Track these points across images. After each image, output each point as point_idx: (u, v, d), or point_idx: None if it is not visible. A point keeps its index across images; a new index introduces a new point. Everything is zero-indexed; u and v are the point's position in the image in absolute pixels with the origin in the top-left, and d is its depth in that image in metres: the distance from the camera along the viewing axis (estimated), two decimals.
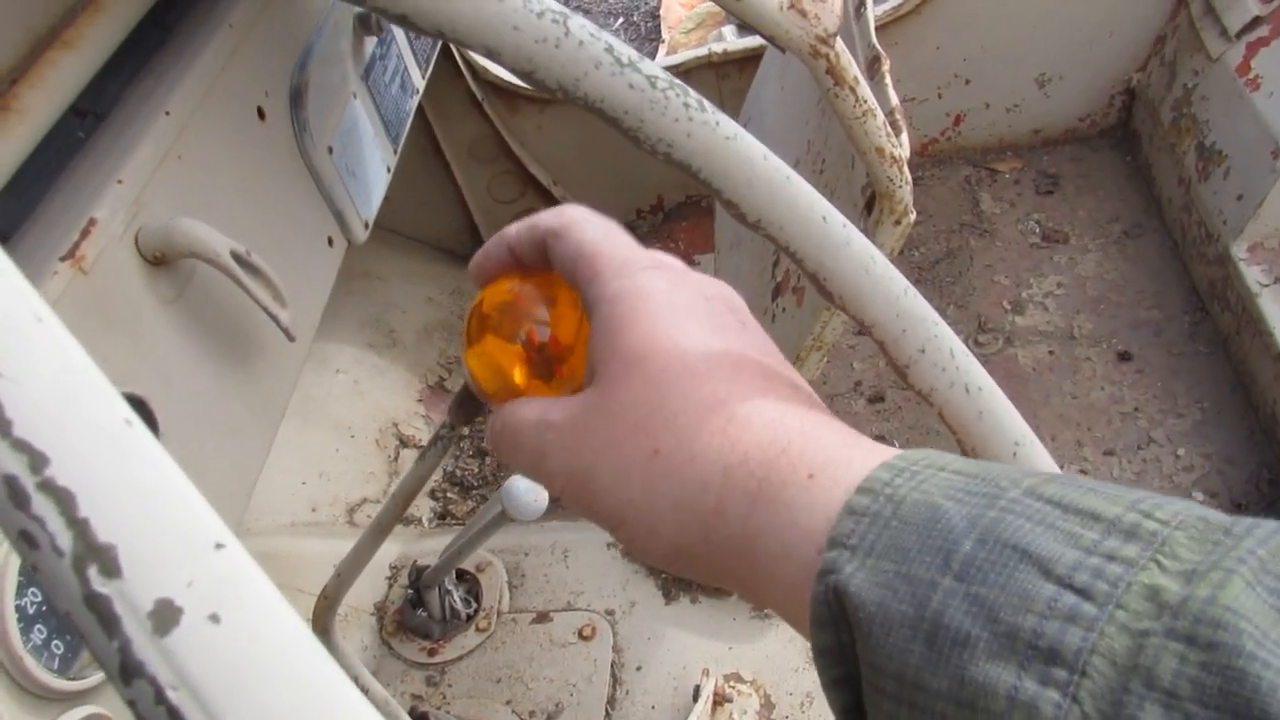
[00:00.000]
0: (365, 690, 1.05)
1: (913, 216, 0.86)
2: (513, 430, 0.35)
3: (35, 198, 0.69)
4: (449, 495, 1.63)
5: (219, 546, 0.21)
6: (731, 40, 2.11)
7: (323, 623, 0.90)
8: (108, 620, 0.20)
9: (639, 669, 1.22)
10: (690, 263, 1.90)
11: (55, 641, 0.59)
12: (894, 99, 0.88)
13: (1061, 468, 0.45)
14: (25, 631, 0.57)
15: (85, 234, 0.65)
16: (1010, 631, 0.23)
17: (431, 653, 1.28)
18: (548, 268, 0.38)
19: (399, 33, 1.17)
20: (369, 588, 1.36)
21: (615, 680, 1.21)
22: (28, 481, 0.20)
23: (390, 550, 1.41)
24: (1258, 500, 1.47)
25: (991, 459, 0.41)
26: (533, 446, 0.34)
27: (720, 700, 1.15)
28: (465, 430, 0.48)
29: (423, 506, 1.61)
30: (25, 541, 0.20)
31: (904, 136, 0.83)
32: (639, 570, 1.31)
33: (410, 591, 1.31)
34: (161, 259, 0.71)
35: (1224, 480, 1.50)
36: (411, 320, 1.86)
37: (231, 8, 0.86)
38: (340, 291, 1.33)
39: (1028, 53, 1.90)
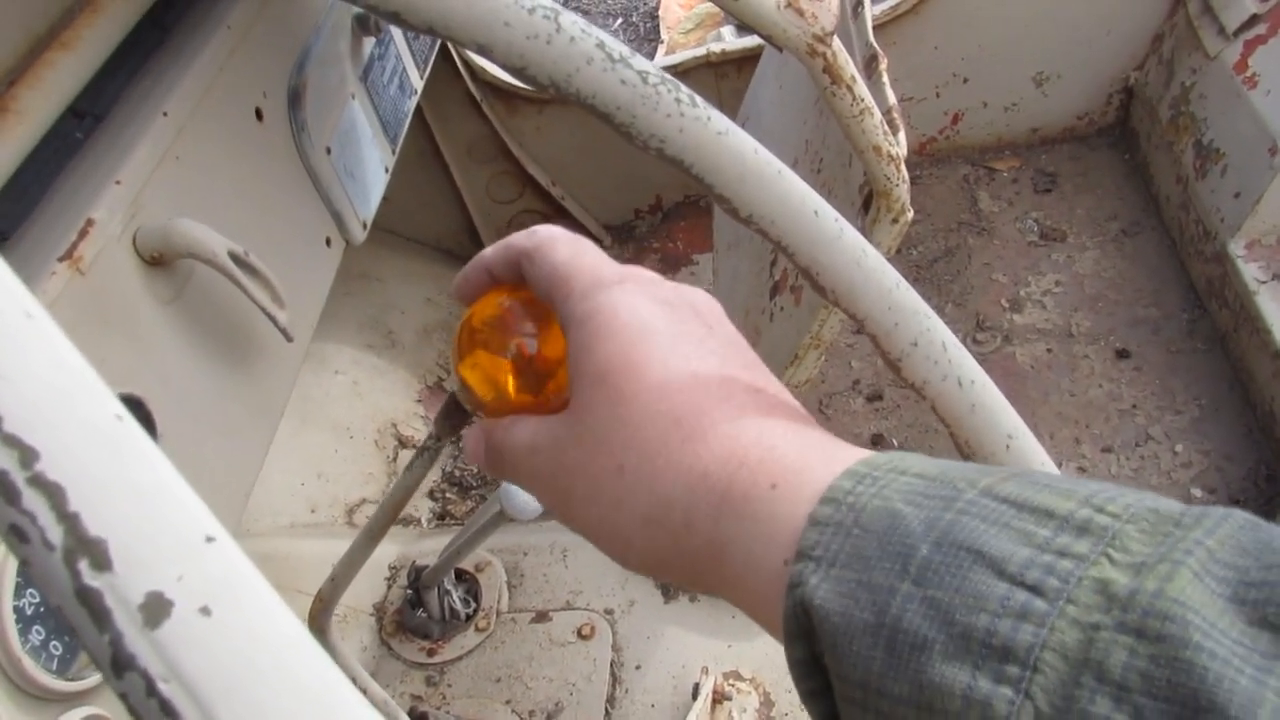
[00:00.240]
0: (363, 690, 1.05)
1: (910, 215, 0.86)
2: (503, 454, 0.36)
3: (33, 198, 0.69)
4: (447, 495, 1.63)
5: (209, 540, 0.21)
6: (730, 40, 2.11)
7: (319, 623, 0.90)
8: (99, 614, 0.20)
9: (638, 668, 1.22)
10: (689, 262, 1.88)
11: (53, 642, 0.59)
12: (891, 98, 0.88)
13: (1060, 465, 0.45)
14: (24, 632, 0.57)
15: (83, 234, 0.65)
16: (965, 632, 0.23)
17: (431, 653, 1.28)
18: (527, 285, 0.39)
19: (397, 33, 1.17)
20: (368, 588, 1.36)
21: (615, 679, 1.21)
22: (18, 476, 0.21)
23: (389, 551, 1.41)
24: (1255, 497, 1.47)
25: (985, 452, 0.41)
26: (525, 470, 0.35)
27: (719, 698, 1.15)
28: (454, 440, 0.48)
29: (421, 507, 1.61)
30: (16, 536, 0.21)
31: (901, 135, 0.83)
32: None
33: (409, 592, 1.31)
34: (159, 259, 0.72)
35: (1222, 477, 1.50)
36: (410, 321, 1.86)
37: (229, 9, 0.86)
38: (339, 292, 1.33)
39: (1025, 52, 1.90)
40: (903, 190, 0.83)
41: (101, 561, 0.20)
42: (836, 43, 0.73)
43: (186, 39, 0.83)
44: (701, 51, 1.87)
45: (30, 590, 0.58)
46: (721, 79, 1.89)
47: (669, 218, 2.12)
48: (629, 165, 1.98)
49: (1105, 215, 1.90)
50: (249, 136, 0.86)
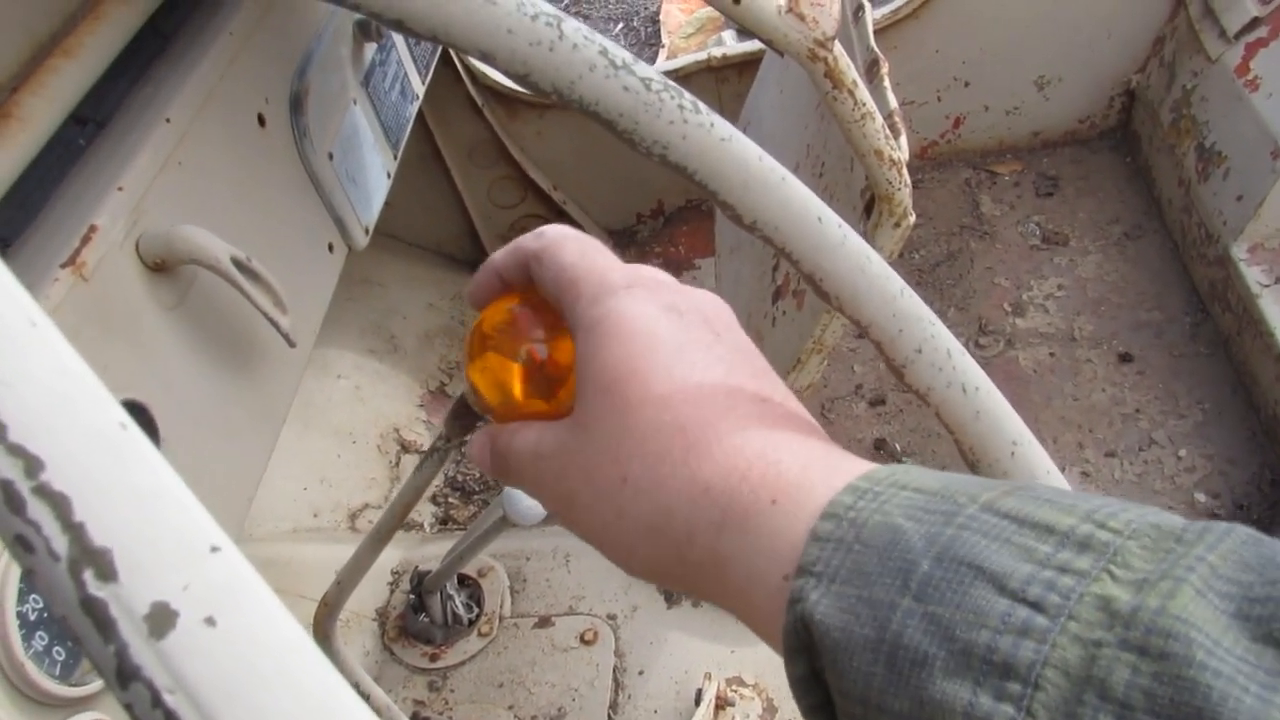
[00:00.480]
0: (367, 696, 1.05)
1: (912, 219, 0.86)
2: (508, 458, 0.36)
3: (36, 205, 0.69)
4: (450, 500, 1.63)
5: (215, 550, 0.21)
6: (731, 45, 2.11)
7: (324, 629, 0.89)
8: (104, 624, 0.20)
9: (641, 673, 1.21)
10: (691, 267, 1.88)
11: (57, 648, 0.59)
12: (893, 102, 0.88)
13: (1063, 470, 0.45)
14: (27, 638, 0.57)
15: (86, 241, 0.66)
16: (965, 648, 0.23)
17: (433, 658, 1.28)
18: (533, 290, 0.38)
19: (399, 39, 1.17)
20: (371, 593, 1.36)
21: (617, 685, 1.21)
22: (23, 486, 0.20)
23: (392, 555, 1.41)
24: (1260, 501, 1.46)
25: (990, 458, 0.41)
26: (530, 476, 0.35)
27: (722, 704, 1.14)
28: (462, 442, 0.48)
29: (424, 511, 1.61)
30: (21, 546, 0.20)
31: (903, 139, 0.83)
32: None
33: (412, 597, 1.31)
34: (162, 265, 0.72)
35: (1226, 481, 1.50)
36: (412, 326, 1.86)
37: (231, 15, 0.86)
38: (341, 297, 1.33)
39: (1027, 55, 1.90)
40: (904, 194, 0.83)
41: (107, 572, 0.20)
42: (838, 47, 0.73)
43: (188, 45, 0.83)
44: (702, 56, 1.87)
45: (33, 596, 0.58)
46: (722, 83, 1.89)
47: (671, 222, 2.12)
48: (630, 170, 1.98)
49: (1107, 219, 1.90)
50: (251, 142, 0.86)
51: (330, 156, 0.96)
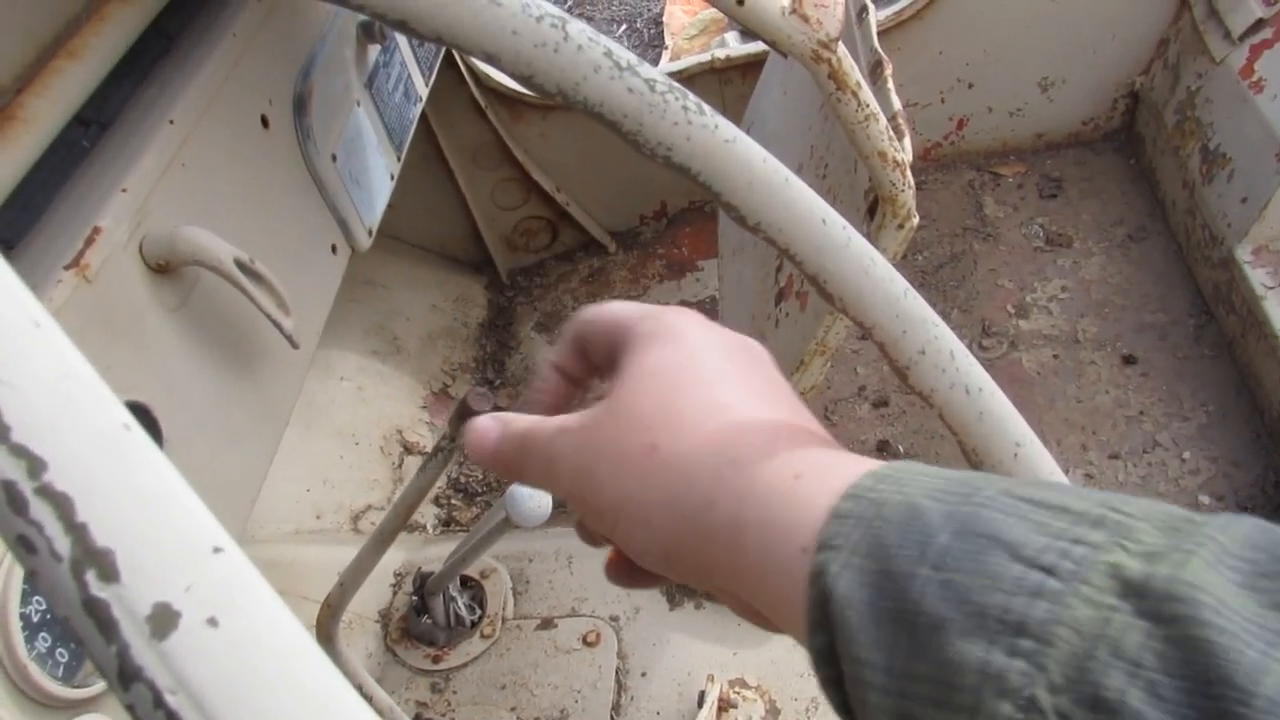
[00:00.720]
0: (369, 697, 1.05)
1: (915, 221, 0.86)
2: (524, 437, 0.36)
3: (40, 206, 0.69)
4: (453, 502, 1.63)
5: (217, 551, 0.21)
6: (734, 46, 2.11)
7: (327, 630, 0.90)
8: (106, 624, 0.20)
9: (644, 675, 1.21)
10: (694, 268, 1.88)
11: (59, 649, 0.59)
12: (896, 103, 0.87)
13: (1066, 472, 0.45)
14: (29, 639, 0.57)
15: (90, 242, 0.66)
16: (980, 610, 0.24)
17: (436, 659, 1.28)
18: (594, 374, 0.40)
19: (402, 40, 1.17)
20: (373, 595, 1.36)
21: (620, 686, 1.21)
22: (25, 486, 0.20)
23: (395, 557, 1.41)
24: (1264, 503, 1.46)
25: (993, 460, 0.41)
26: (545, 452, 0.36)
27: (725, 706, 1.14)
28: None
29: (427, 513, 1.61)
30: (23, 546, 0.20)
31: (906, 141, 0.83)
32: None
33: (415, 598, 1.31)
34: (165, 267, 0.72)
35: (1230, 483, 1.49)
36: (415, 327, 1.86)
37: (235, 17, 0.87)
38: (344, 299, 1.33)
39: (1030, 56, 1.90)
40: (908, 196, 0.83)
41: (109, 572, 0.20)
42: (841, 49, 0.73)
43: (192, 47, 0.83)
44: (706, 57, 1.87)
45: (36, 597, 0.58)
46: (726, 85, 1.89)
47: (674, 223, 2.12)
48: (633, 171, 1.98)
49: (1111, 220, 1.90)
50: (255, 144, 0.86)
51: (334, 158, 0.97)
